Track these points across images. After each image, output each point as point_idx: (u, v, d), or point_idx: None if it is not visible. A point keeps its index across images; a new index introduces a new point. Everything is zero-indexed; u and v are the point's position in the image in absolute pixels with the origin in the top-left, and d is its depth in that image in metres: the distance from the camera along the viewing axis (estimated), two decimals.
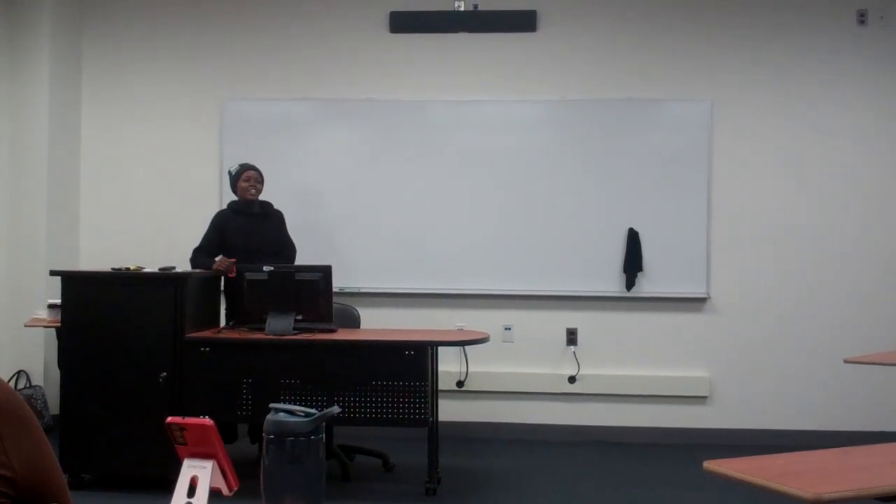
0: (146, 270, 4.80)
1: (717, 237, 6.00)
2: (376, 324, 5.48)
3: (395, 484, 4.93)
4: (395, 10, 6.16)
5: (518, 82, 6.15)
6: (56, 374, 5.09)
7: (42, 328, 5.59)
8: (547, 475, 5.10)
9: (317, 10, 6.28)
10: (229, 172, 5.38)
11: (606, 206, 6.02)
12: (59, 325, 4.83)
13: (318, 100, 6.23)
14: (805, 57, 6.04)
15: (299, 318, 4.70)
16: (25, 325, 5.51)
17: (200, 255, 5.16)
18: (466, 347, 5.86)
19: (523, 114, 6.13)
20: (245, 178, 5.26)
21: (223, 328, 4.95)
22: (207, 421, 2.05)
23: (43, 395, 5.91)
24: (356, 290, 6.02)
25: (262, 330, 4.69)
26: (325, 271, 4.72)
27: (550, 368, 6.07)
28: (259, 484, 1.94)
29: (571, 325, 6.08)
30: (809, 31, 6.03)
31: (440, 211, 6.09)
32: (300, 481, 1.94)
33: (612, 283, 6.00)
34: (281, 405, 1.98)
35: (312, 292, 4.73)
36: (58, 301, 4.84)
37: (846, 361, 4.44)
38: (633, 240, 5.97)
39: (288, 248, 5.41)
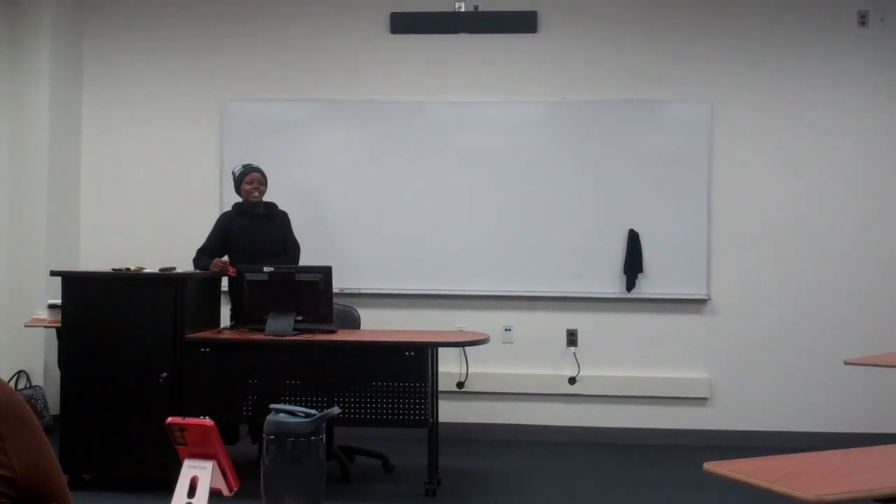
0: (146, 271, 4.80)
1: (718, 238, 6.00)
2: (376, 324, 5.49)
3: (395, 485, 4.93)
4: (395, 10, 6.16)
5: (518, 83, 6.15)
6: (56, 374, 5.09)
7: (42, 328, 5.59)
8: (547, 476, 5.10)
9: (317, 11, 6.28)
10: (233, 173, 5.38)
11: (607, 207, 6.02)
12: (59, 325, 4.83)
13: (318, 100, 6.23)
14: (805, 58, 6.04)
15: (299, 318, 4.70)
16: (26, 326, 5.51)
17: (202, 256, 5.18)
18: (466, 348, 5.86)
19: (524, 115, 6.12)
20: (248, 180, 5.26)
21: (223, 328, 4.95)
22: (208, 421, 2.05)
23: (43, 396, 5.91)
24: (356, 291, 6.02)
25: (262, 330, 4.69)
26: (326, 272, 4.72)
27: (550, 369, 6.07)
28: (259, 484, 1.93)
29: (571, 327, 6.08)
30: (810, 33, 6.03)
31: (440, 212, 6.09)
32: (300, 482, 1.94)
33: (612, 285, 6.00)
34: (281, 406, 1.98)
35: (312, 293, 4.73)
36: (58, 301, 4.84)
37: (846, 363, 4.44)
38: (633, 241, 5.97)
39: (292, 249, 5.40)
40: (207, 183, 6.24)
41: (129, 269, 4.80)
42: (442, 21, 6.11)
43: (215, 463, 2.08)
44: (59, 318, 4.83)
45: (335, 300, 4.87)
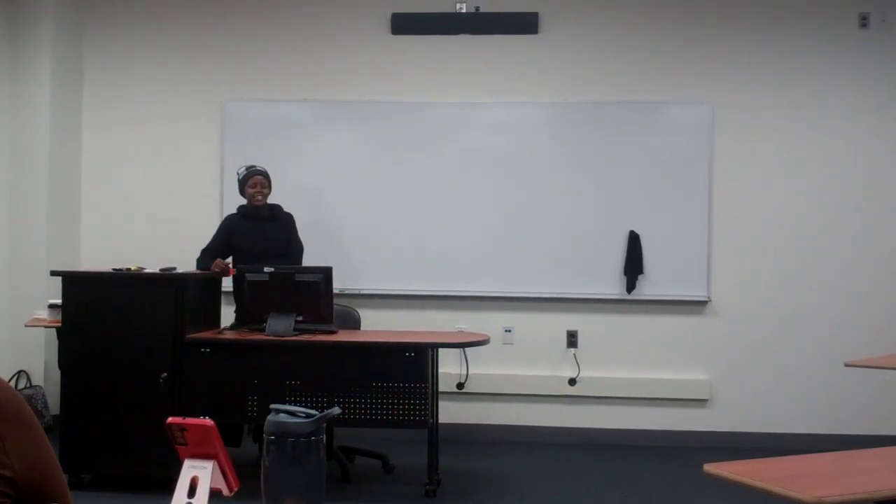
0: (147, 271, 4.80)
1: (718, 240, 6.00)
2: (377, 325, 5.49)
3: (395, 485, 4.93)
4: (396, 11, 6.16)
5: (519, 84, 6.15)
6: (56, 374, 5.09)
7: (42, 328, 5.59)
8: (547, 477, 5.10)
9: (318, 12, 6.28)
10: (237, 174, 5.38)
11: (607, 209, 6.02)
12: (59, 325, 4.83)
13: (318, 101, 6.23)
14: (807, 60, 6.04)
15: (300, 319, 4.70)
16: (26, 326, 5.51)
17: (205, 256, 5.20)
18: (467, 349, 5.86)
19: (525, 116, 6.13)
20: (251, 183, 5.27)
21: (224, 329, 4.95)
22: (208, 421, 2.05)
23: (43, 396, 5.91)
24: (357, 292, 6.02)
25: (262, 331, 4.70)
26: (326, 272, 4.73)
27: (551, 371, 6.07)
28: (259, 485, 1.94)
29: (572, 328, 6.08)
30: (811, 35, 6.04)
31: (441, 212, 6.09)
32: (300, 482, 1.94)
33: (612, 286, 6.00)
34: (281, 406, 1.98)
35: (313, 293, 4.73)
36: (58, 301, 4.84)
37: (846, 365, 4.43)
38: (633, 242, 5.97)
39: (294, 250, 5.38)
40: (208, 183, 6.24)
41: (129, 269, 4.80)
42: (443, 22, 6.11)
43: (215, 463, 2.08)
44: (59, 318, 4.83)
45: (335, 301, 4.87)
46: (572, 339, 6.08)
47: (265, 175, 5.31)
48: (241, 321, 4.93)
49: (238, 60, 6.31)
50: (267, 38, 6.30)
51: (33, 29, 6.08)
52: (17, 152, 6.12)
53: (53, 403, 5.71)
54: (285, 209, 5.46)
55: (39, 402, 5.85)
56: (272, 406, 2.01)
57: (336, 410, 2.19)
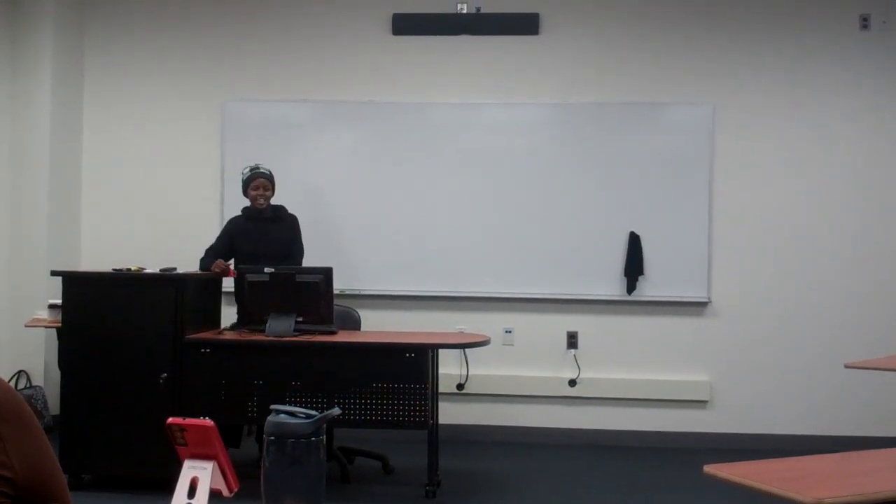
0: (147, 271, 4.80)
1: (719, 241, 6.00)
2: (377, 326, 5.49)
3: (395, 486, 4.92)
4: (397, 12, 6.16)
5: (520, 85, 6.15)
6: (56, 374, 5.09)
7: (42, 328, 5.59)
8: (547, 478, 5.09)
9: (319, 12, 6.28)
10: (242, 174, 5.38)
11: (608, 210, 6.02)
12: (59, 325, 4.83)
13: (319, 102, 6.23)
14: (807, 61, 6.04)
15: (300, 319, 4.70)
16: (26, 326, 5.51)
17: (208, 256, 5.21)
18: (467, 350, 5.86)
19: (525, 117, 6.13)
20: (254, 186, 5.27)
21: (224, 329, 4.95)
22: (208, 422, 2.05)
23: (43, 396, 5.91)
24: (357, 293, 6.02)
25: (262, 331, 4.69)
26: (326, 273, 4.73)
27: (551, 372, 6.07)
28: (259, 485, 1.94)
29: (572, 329, 6.08)
30: (812, 36, 6.04)
31: (441, 213, 6.09)
32: (300, 483, 1.94)
33: (613, 287, 6.00)
34: (282, 406, 1.98)
35: (313, 294, 4.73)
36: (58, 301, 4.84)
37: (847, 366, 4.43)
38: (634, 243, 5.97)
39: (295, 252, 5.38)
40: (208, 183, 6.24)
41: (129, 270, 4.80)
42: (444, 23, 6.11)
43: (215, 463, 2.08)
44: (59, 318, 4.83)
45: (335, 301, 4.87)
46: (572, 339, 6.08)
47: (268, 177, 5.31)
48: (241, 321, 4.93)
49: (238, 61, 6.31)
50: (267, 38, 6.30)
51: (34, 29, 6.08)
52: (18, 152, 6.12)
53: (53, 404, 5.71)
54: (289, 210, 5.45)
55: (39, 402, 5.85)
56: (272, 407, 2.01)
57: (336, 411, 2.19)
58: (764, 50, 6.05)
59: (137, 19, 6.39)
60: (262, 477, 1.93)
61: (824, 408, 5.90)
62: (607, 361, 6.04)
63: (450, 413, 5.64)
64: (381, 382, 4.51)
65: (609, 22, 6.14)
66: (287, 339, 4.60)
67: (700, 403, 6.00)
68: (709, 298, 5.99)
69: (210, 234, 5.43)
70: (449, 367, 5.86)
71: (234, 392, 4.58)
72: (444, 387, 5.32)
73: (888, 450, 2.56)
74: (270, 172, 5.34)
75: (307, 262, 5.43)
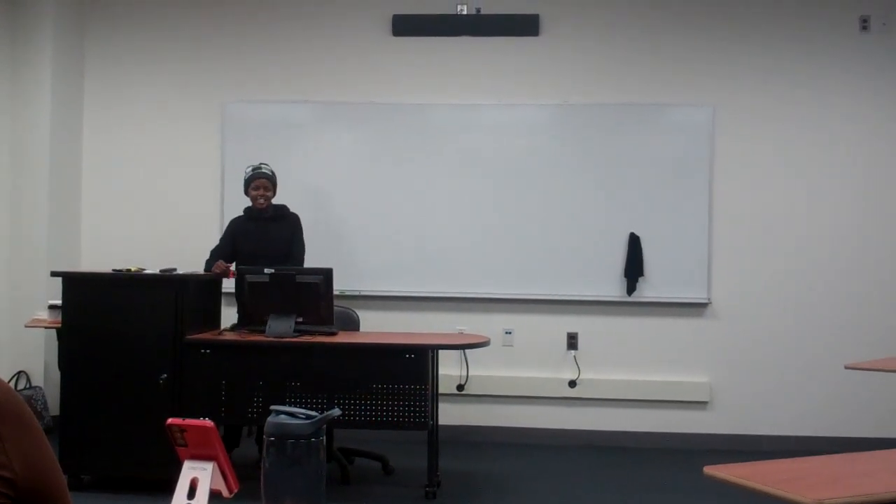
0: (147, 272, 4.80)
1: (719, 242, 6.00)
2: (377, 327, 5.49)
3: (395, 487, 4.92)
4: (397, 13, 6.16)
5: (520, 86, 6.15)
6: (56, 375, 5.09)
7: (42, 329, 5.59)
8: (546, 479, 5.09)
9: (319, 13, 6.28)
10: (245, 174, 5.38)
11: (608, 211, 6.02)
12: (59, 325, 4.82)
13: (319, 103, 6.23)
14: (807, 62, 6.04)
15: (300, 320, 4.70)
16: (26, 326, 5.51)
17: (212, 257, 5.22)
18: (467, 351, 5.86)
19: (525, 118, 6.13)
20: (254, 186, 5.27)
21: (224, 330, 4.95)
22: (208, 423, 2.05)
23: (43, 396, 5.90)
24: (357, 293, 6.01)
25: (262, 332, 4.69)
26: (326, 274, 4.72)
27: (551, 372, 6.06)
28: (259, 486, 1.93)
29: (572, 330, 6.08)
30: (812, 37, 6.04)
31: (441, 214, 6.09)
32: (300, 484, 1.94)
33: (613, 288, 6.00)
34: (282, 407, 1.98)
35: (313, 295, 4.73)
36: (58, 302, 4.84)
37: (847, 367, 4.43)
38: (634, 244, 5.97)
39: (295, 252, 5.37)
40: (208, 184, 6.24)
41: (129, 270, 4.80)
42: (444, 24, 6.12)
43: (215, 464, 2.08)
44: (59, 318, 4.83)
45: (335, 302, 4.86)
46: (572, 340, 6.08)
47: (269, 177, 5.31)
48: (241, 322, 4.93)
49: (239, 61, 6.31)
50: (268, 39, 6.30)
51: (34, 29, 6.08)
52: (18, 152, 6.12)
53: (53, 404, 5.71)
54: (291, 210, 5.45)
55: (39, 402, 5.85)
56: (272, 407, 2.01)
57: (336, 412, 2.19)
58: (764, 51, 6.05)
59: (138, 20, 6.39)
60: (262, 478, 1.93)
61: (824, 409, 5.90)
62: (607, 362, 6.04)
63: (450, 414, 5.64)
64: (381, 383, 4.51)
65: (609, 23, 6.14)
66: (287, 339, 4.60)
67: (700, 404, 6.00)
68: (709, 299, 5.99)
69: (210, 234, 5.43)
70: (449, 368, 5.86)
71: (234, 393, 4.58)
72: (443, 388, 5.32)
73: (888, 451, 2.56)
74: (273, 172, 5.33)
75: (306, 262, 5.43)
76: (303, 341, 4.60)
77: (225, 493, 2.12)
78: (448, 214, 6.09)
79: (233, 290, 5.00)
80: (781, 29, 6.05)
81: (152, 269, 4.87)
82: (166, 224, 6.24)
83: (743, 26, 6.07)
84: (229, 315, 5.17)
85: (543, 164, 6.06)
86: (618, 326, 6.04)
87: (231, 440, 5.11)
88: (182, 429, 2.06)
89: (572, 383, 6.04)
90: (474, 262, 6.06)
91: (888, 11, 5.98)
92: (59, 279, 4.74)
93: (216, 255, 5.22)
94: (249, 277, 4.79)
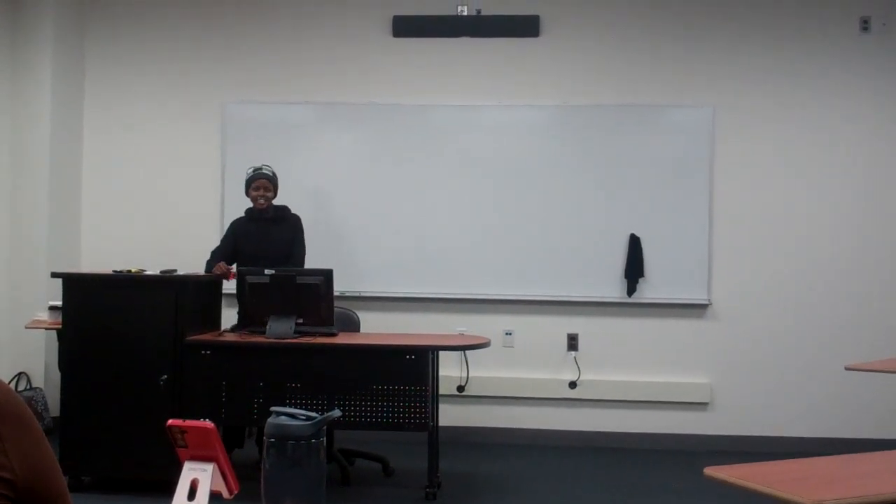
0: (147, 273, 4.80)
1: (719, 243, 6.00)
2: (377, 328, 5.49)
3: (395, 488, 4.92)
4: (398, 14, 6.15)
5: (520, 87, 6.15)
6: (56, 376, 5.09)
7: (43, 330, 5.59)
8: (547, 480, 5.09)
9: (319, 14, 6.28)
10: (246, 174, 5.38)
11: (608, 212, 6.02)
12: (59, 326, 4.83)
13: (319, 103, 6.23)
14: (807, 63, 6.04)
15: (300, 321, 4.70)
16: (26, 327, 5.51)
17: (212, 258, 5.21)
18: (467, 352, 5.86)
19: (526, 119, 6.13)
20: (255, 186, 5.27)
21: (224, 331, 4.94)
22: (208, 424, 2.05)
23: (43, 397, 5.90)
24: (357, 294, 6.01)
25: (263, 333, 4.69)
26: (327, 275, 4.73)
27: (551, 374, 6.06)
28: (259, 487, 1.93)
29: (572, 331, 6.08)
30: (812, 38, 6.04)
31: (441, 215, 6.09)
32: (301, 485, 1.94)
33: (613, 289, 6.00)
34: (282, 408, 1.98)
35: (313, 296, 4.73)
36: (59, 303, 4.84)
37: (847, 368, 4.43)
38: (634, 245, 5.97)
39: (296, 253, 5.36)
40: (208, 185, 6.24)
41: (129, 271, 4.80)
42: (444, 25, 6.11)
43: (216, 465, 2.08)
44: (59, 319, 4.83)
45: (335, 303, 4.86)
46: (573, 342, 6.08)
47: (269, 178, 5.30)
48: (242, 323, 4.93)
49: (239, 62, 6.31)
50: (268, 39, 6.30)
51: (34, 29, 6.08)
52: (18, 153, 6.12)
53: (53, 405, 5.71)
54: (292, 211, 5.45)
55: (39, 403, 5.85)
56: (273, 408, 2.01)
57: (336, 413, 2.19)
58: (764, 52, 6.05)
59: (138, 20, 6.39)
60: (262, 479, 1.93)
61: (825, 410, 5.90)
62: (607, 363, 6.04)
63: (450, 415, 5.64)
64: (382, 384, 4.51)
65: (609, 24, 6.14)
66: (287, 341, 4.60)
67: (700, 405, 6.00)
68: (709, 300, 5.99)
69: (210, 234, 5.43)
70: (449, 369, 5.86)
71: (234, 394, 4.58)
72: (444, 389, 5.32)
73: (889, 452, 2.56)
74: (273, 173, 5.33)
75: (308, 263, 5.43)
76: (303, 342, 4.60)
77: (225, 494, 2.12)
78: (448, 215, 6.09)
79: (233, 291, 5.00)
80: (781, 30, 6.05)
81: (152, 269, 4.87)
82: (166, 224, 6.24)
83: (743, 27, 6.07)
84: (230, 316, 5.17)
85: (543, 165, 6.06)
86: (618, 327, 6.04)
87: (235, 440, 5.11)
88: (182, 430, 2.06)
89: (573, 384, 6.04)
90: (474, 263, 6.06)
91: (888, 12, 5.99)
92: (60, 280, 4.74)
93: (217, 255, 5.22)
94: (250, 278, 4.80)
